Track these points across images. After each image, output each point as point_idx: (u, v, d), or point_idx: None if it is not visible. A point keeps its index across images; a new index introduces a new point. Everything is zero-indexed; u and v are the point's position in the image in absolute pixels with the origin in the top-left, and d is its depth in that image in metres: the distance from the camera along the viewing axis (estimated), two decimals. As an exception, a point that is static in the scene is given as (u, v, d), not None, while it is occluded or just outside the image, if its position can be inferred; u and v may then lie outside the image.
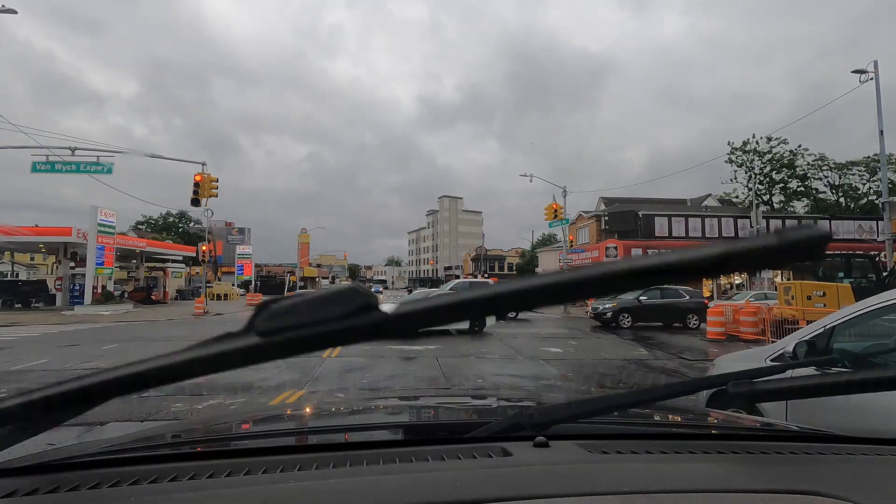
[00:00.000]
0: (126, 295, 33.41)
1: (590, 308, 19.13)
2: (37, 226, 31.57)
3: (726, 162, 42.19)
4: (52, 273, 47.49)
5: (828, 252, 20.31)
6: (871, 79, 17.14)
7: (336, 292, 0.64)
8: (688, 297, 17.87)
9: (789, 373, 2.85)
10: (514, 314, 16.18)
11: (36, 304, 30.05)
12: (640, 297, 17.71)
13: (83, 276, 27.25)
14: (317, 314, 0.64)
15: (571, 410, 1.15)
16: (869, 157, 38.92)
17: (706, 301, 18.64)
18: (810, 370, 2.80)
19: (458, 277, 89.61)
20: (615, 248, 28.99)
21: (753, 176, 34.77)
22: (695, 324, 17.07)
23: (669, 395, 1.28)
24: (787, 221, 32.88)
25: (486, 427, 1.13)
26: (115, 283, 33.21)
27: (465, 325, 15.38)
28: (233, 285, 49.49)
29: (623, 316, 17.45)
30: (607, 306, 17.62)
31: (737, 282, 31.06)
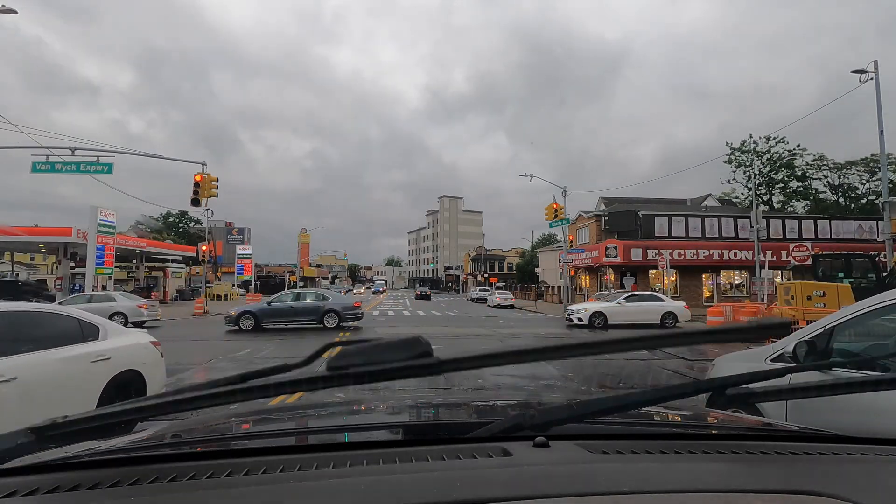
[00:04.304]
0: (126, 295, 33.39)
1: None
2: (36, 225, 31.58)
3: (725, 162, 42.27)
4: (52, 273, 47.51)
5: (828, 252, 20.33)
6: (871, 79, 17.12)
7: (402, 341, 0.88)
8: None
9: (788, 376, 2.85)
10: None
11: (36, 304, 30.00)
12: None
13: (83, 276, 27.25)
14: (382, 356, 0.87)
15: (572, 411, 1.15)
16: (868, 157, 38.91)
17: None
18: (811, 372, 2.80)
19: (457, 278, 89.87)
20: (615, 247, 28.96)
21: (753, 176, 34.74)
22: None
23: (670, 398, 1.28)
24: (787, 221, 32.93)
25: (486, 427, 1.13)
26: (115, 282, 33.21)
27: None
28: (233, 285, 49.47)
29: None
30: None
31: (737, 282, 31.09)
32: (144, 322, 18.50)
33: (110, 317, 17.27)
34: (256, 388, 0.96)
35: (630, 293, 20.83)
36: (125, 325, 17.17)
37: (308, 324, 17.39)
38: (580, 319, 19.10)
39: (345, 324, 17.59)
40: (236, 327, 16.73)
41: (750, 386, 1.24)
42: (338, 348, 0.91)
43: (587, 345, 0.90)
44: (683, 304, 20.12)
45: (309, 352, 0.98)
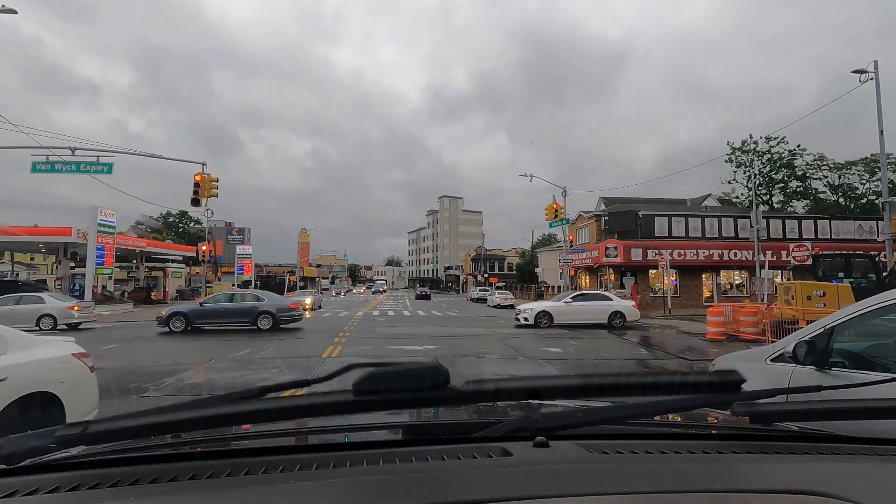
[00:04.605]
0: (126, 295, 33.45)
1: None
2: (36, 225, 31.60)
3: (725, 162, 42.26)
4: (51, 273, 47.50)
5: (828, 252, 20.32)
6: (871, 79, 17.11)
7: (422, 367, 0.90)
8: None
9: (788, 378, 2.85)
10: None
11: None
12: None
13: (83, 276, 27.26)
14: (405, 383, 0.89)
15: (576, 418, 1.15)
16: (868, 157, 38.91)
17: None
18: (810, 368, 2.80)
19: (457, 278, 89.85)
20: (615, 247, 28.94)
21: (753, 176, 34.74)
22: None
23: (674, 409, 1.28)
24: (787, 221, 32.92)
25: (487, 430, 1.13)
26: (115, 282, 33.25)
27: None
28: (233, 285, 49.38)
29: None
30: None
31: (737, 282, 31.08)
32: (79, 325, 17.62)
33: (39, 319, 16.27)
34: (276, 410, 1.00)
35: (578, 292, 20.65)
36: (54, 328, 16.18)
37: (241, 325, 16.74)
38: (526, 319, 18.50)
39: (282, 326, 16.93)
40: (167, 329, 16.06)
41: (756, 402, 1.23)
42: (363, 370, 0.93)
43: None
44: (632, 303, 19.67)
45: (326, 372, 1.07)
